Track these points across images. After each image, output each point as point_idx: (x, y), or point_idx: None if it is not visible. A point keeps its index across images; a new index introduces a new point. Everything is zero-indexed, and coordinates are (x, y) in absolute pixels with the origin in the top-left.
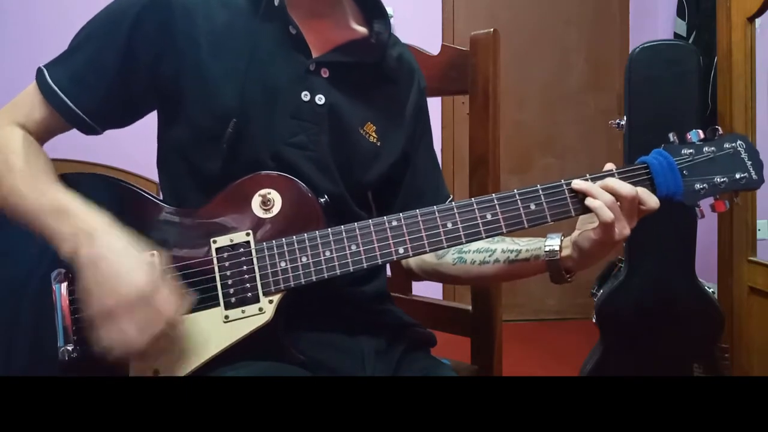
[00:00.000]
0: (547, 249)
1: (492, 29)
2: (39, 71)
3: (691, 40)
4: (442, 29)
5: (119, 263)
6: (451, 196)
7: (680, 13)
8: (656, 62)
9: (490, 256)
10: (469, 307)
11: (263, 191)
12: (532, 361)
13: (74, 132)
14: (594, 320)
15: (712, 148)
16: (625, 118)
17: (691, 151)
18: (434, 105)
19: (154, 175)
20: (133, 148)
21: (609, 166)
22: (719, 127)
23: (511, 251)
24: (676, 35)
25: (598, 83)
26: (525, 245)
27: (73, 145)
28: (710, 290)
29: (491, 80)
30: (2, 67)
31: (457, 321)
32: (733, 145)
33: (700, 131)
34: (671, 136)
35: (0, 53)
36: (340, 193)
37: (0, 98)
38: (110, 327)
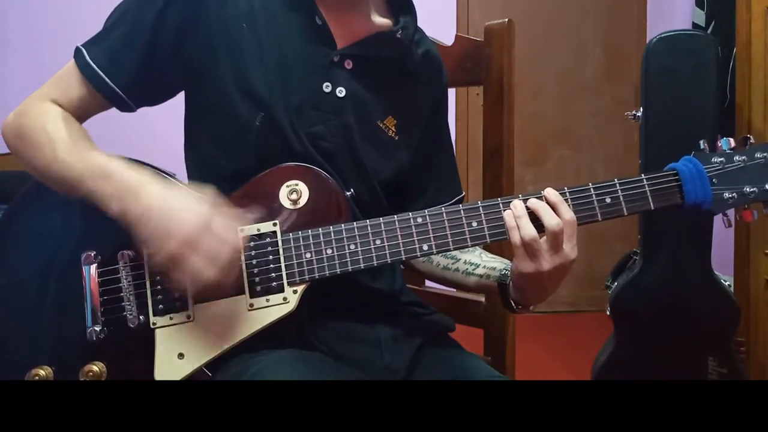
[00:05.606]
0: (502, 272)
1: (507, 19)
2: (77, 50)
3: (709, 30)
4: (456, 19)
5: (169, 208)
6: (463, 193)
7: (699, 2)
8: (674, 53)
9: (453, 263)
10: (483, 299)
11: (291, 182)
12: (545, 353)
13: (88, 126)
14: (608, 312)
15: (743, 157)
16: (641, 109)
17: (721, 159)
18: (448, 96)
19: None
20: (143, 143)
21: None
22: (751, 136)
23: (472, 264)
24: (695, 25)
25: (615, 74)
26: (486, 261)
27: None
28: (726, 283)
29: (506, 71)
30: (3, 68)
31: (470, 312)
32: (765, 155)
33: (731, 139)
34: (702, 143)
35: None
36: (355, 185)
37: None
38: (180, 267)
